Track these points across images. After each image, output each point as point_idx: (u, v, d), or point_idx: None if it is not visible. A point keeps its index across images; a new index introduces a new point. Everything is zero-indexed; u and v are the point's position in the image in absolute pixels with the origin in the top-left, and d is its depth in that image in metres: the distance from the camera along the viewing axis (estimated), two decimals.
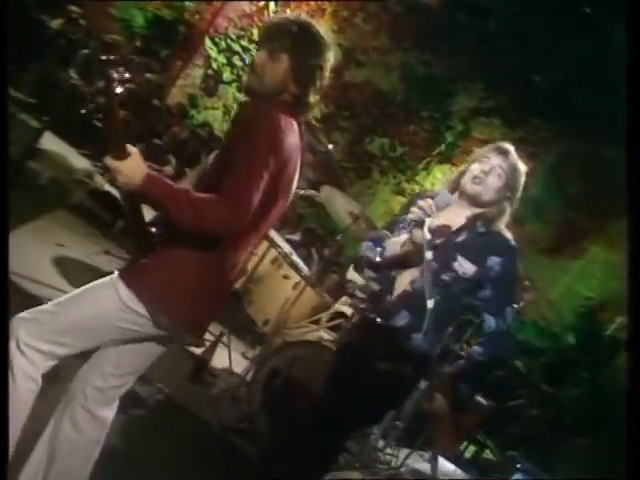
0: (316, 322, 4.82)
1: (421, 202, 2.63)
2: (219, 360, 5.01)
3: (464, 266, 2.71)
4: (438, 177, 10.21)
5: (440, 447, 6.30)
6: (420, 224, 2.62)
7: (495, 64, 9.39)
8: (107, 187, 6.22)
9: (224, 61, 9.84)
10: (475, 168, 2.77)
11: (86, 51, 7.93)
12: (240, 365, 5.14)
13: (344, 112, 9.95)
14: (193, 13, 9.60)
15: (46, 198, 5.27)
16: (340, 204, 4.83)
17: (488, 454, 7.66)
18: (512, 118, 9.79)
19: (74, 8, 8.44)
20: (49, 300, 3.96)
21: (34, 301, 3.74)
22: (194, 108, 9.76)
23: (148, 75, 7.92)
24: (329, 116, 9.95)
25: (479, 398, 6.47)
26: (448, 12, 9.31)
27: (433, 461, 5.34)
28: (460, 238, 2.75)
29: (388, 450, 5.32)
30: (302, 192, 4.96)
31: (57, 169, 6.12)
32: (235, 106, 9.94)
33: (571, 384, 9.57)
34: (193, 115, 9.69)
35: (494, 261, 2.72)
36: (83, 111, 7.41)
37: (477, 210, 2.78)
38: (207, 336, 5.33)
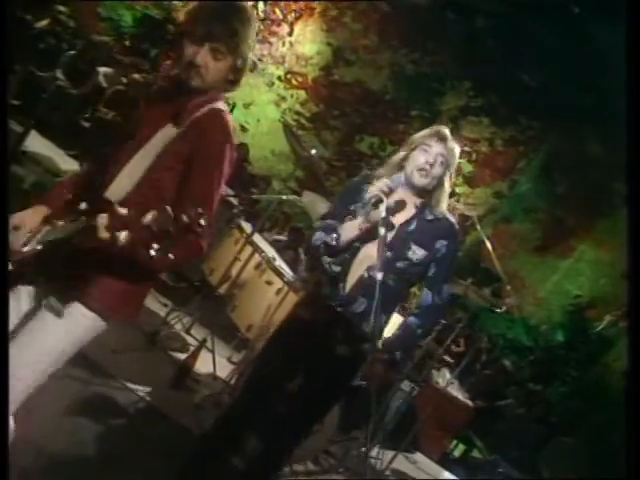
0: None
1: (378, 183, 2.83)
2: (204, 365, 5.01)
3: (417, 252, 2.95)
4: None
5: (426, 448, 6.36)
6: (377, 203, 2.76)
7: (484, 63, 9.38)
8: None
9: None
10: (419, 158, 2.95)
11: (73, 52, 7.90)
12: (225, 370, 5.14)
13: (334, 111, 9.92)
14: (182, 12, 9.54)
15: (29, 204, 5.22)
16: (322, 210, 4.82)
17: (477, 453, 7.70)
18: (501, 117, 9.80)
19: (60, 7, 8.37)
20: None
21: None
22: None
23: (136, 75, 7.86)
24: (318, 115, 9.92)
25: (465, 399, 6.51)
26: (437, 11, 9.29)
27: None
28: (412, 227, 2.98)
29: (372, 453, 5.33)
30: (284, 197, 4.95)
31: (42, 172, 6.08)
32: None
33: (559, 381, 9.61)
34: None
35: (441, 244, 2.98)
36: (70, 112, 7.36)
37: (422, 198, 3.01)
38: (191, 341, 5.34)
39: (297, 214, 8.40)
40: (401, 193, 2.99)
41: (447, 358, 6.31)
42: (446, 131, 3.05)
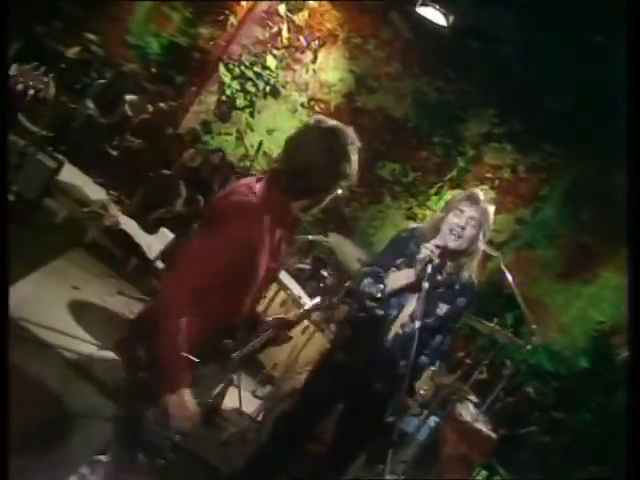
0: None
1: (429, 245, 3.10)
2: (229, 399, 5.07)
3: (442, 308, 3.25)
4: None
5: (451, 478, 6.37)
6: (427, 263, 3.03)
7: (507, 90, 9.40)
8: (121, 221, 6.31)
9: (237, 87, 9.92)
10: (452, 221, 3.18)
11: (102, 81, 8.06)
12: (251, 404, 5.19)
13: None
14: (208, 40, 9.69)
15: (62, 237, 5.37)
16: (349, 250, 4.91)
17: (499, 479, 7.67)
18: (524, 143, 9.80)
19: (90, 36, 8.55)
20: (64, 348, 4.06)
21: (49, 350, 3.83)
22: (207, 134, 9.84)
23: (162, 105, 8.00)
24: None
25: (488, 430, 6.51)
26: (459, 38, 9.34)
27: None
28: (442, 290, 3.25)
29: None
30: (310, 237, 5.03)
31: (72, 203, 6.22)
32: (248, 132, 10.02)
33: (583, 409, 9.54)
34: (207, 141, 9.77)
35: (461, 301, 3.31)
36: (99, 141, 7.50)
37: (455, 259, 3.25)
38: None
39: (319, 244, 8.48)
40: (442, 253, 3.17)
41: (472, 396, 6.33)
42: (479, 193, 3.25)
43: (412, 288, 3.17)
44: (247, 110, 10.06)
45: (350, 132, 2.42)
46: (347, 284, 5.04)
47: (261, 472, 3.60)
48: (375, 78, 9.83)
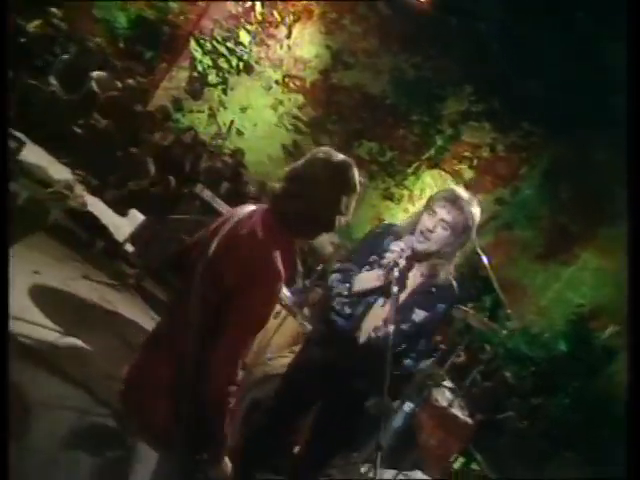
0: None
1: (396, 247, 2.96)
2: None
3: (419, 315, 3.11)
4: (427, 182, 10.22)
5: (427, 466, 6.38)
6: (395, 266, 2.91)
7: (486, 68, 9.38)
8: (87, 201, 6.17)
9: (209, 63, 9.78)
10: (423, 222, 3.02)
11: (66, 56, 7.86)
12: None
13: (332, 116, 9.94)
14: (178, 14, 9.52)
15: (23, 221, 5.23)
16: (325, 241, 4.85)
17: (476, 466, 7.71)
18: (503, 122, 9.81)
19: (53, 9, 8.32)
20: (26, 337, 3.96)
21: (10, 338, 3.72)
22: (178, 111, 9.70)
23: (130, 81, 7.83)
24: (317, 119, 9.93)
25: (465, 416, 6.51)
26: (438, 15, 9.28)
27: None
28: (418, 296, 3.11)
29: (371, 475, 5.34)
30: None
31: (35, 184, 6.06)
32: (221, 109, 9.89)
33: (562, 393, 9.62)
34: (178, 119, 9.63)
35: (441, 307, 3.14)
36: (64, 119, 7.33)
37: (427, 262, 3.10)
38: None
39: None
40: (410, 255, 3.09)
41: (448, 382, 6.31)
42: (456, 193, 3.03)
43: (382, 291, 3.06)
44: (219, 87, 9.94)
45: (355, 166, 2.41)
46: (319, 267, 4.99)
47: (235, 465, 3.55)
48: (352, 54, 9.76)
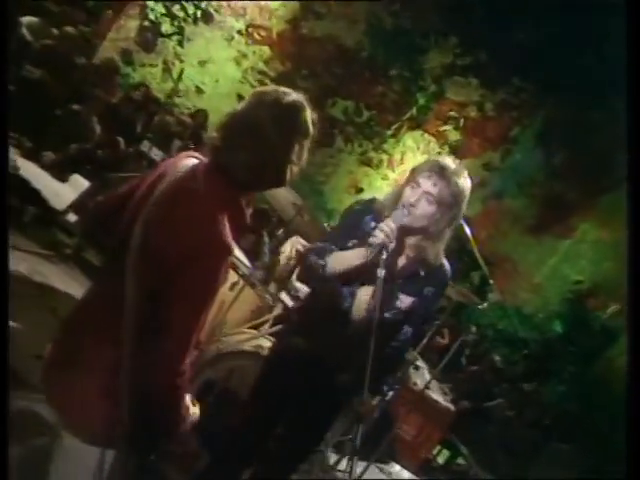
0: (256, 327, 4.79)
1: (385, 227, 2.86)
2: None
3: (404, 301, 3.09)
4: (409, 145, 10.19)
5: (403, 457, 6.41)
6: (383, 248, 2.83)
7: (472, 17, 9.35)
8: (19, 165, 6.07)
9: (163, 11, 9.65)
10: (406, 195, 2.97)
11: None
12: None
13: (302, 70, 9.87)
14: None
15: None
16: (282, 195, 4.80)
17: (462, 460, 7.77)
18: (491, 78, 9.80)
19: None
20: None
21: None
22: (128, 65, 9.58)
23: (70, 29, 7.69)
24: (285, 75, 9.84)
25: (446, 402, 6.55)
26: None
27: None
28: (402, 280, 3.09)
29: (341, 467, 5.35)
30: None
31: None
32: (176, 63, 9.78)
33: (556, 379, 9.69)
34: (127, 73, 9.52)
35: (429, 290, 3.13)
36: None
37: (413, 240, 3.07)
38: None
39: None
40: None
41: (421, 363, 6.33)
42: (444, 163, 2.98)
43: (364, 274, 3.00)
44: (175, 38, 9.81)
45: (308, 106, 2.31)
46: (280, 232, 4.97)
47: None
48: (323, 1, 9.67)
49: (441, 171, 2.92)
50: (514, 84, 9.78)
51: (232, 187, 2.22)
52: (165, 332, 2.11)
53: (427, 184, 2.92)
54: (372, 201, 3.23)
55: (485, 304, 5.36)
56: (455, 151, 9.99)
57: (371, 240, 2.87)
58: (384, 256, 2.81)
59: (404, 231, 2.99)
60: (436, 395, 6.41)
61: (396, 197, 3.05)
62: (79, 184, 6.82)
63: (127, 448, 2.21)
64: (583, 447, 7.92)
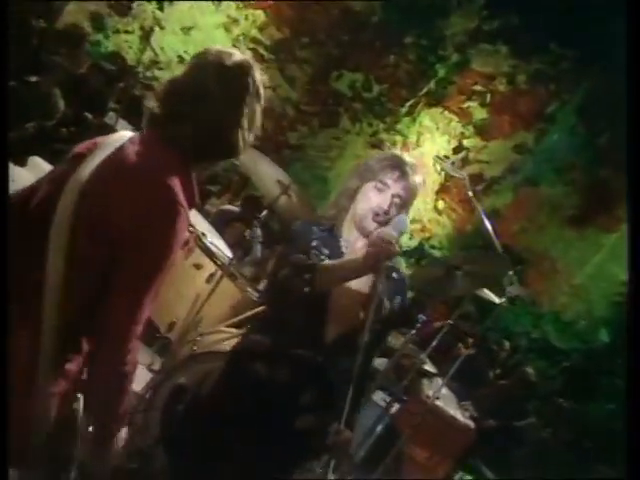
0: (237, 325, 4.78)
1: (386, 234, 2.87)
2: None
3: (385, 305, 3.17)
4: (426, 125, 10.18)
5: None
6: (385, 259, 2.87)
7: None
8: None
9: None
10: (372, 199, 3.08)
11: None
12: (144, 381, 5.10)
13: (302, 38, 9.88)
14: None
15: None
16: (265, 172, 4.79)
17: None
18: (524, 44, 9.74)
19: None
20: None
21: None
22: (99, 31, 9.61)
23: None
24: (282, 44, 9.86)
25: (464, 418, 6.51)
26: None
27: None
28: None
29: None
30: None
31: None
32: (156, 29, 9.80)
33: (601, 395, 9.62)
34: (98, 41, 9.55)
35: (397, 299, 3.23)
36: None
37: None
38: None
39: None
40: (354, 241, 3.17)
41: (430, 367, 6.31)
42: (406, 160, 3.12)
43: (359, 281, 3.11)
44: (154, 0, 9.84)
45: (257, 65, 2.43)
46: (262, 215, 4.95)
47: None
48: None
49: (404, 168, 3.06)
50: (551, 52, 9.71)
51: (176, 159, 2.29)
52: (111, 307, 2.17)
53: (397, 186, 3.05)
54: (311, 219, 3.37)
55: (504, 299, 5.29)
56: (481, 131, 9.97)
57: (370, 250, 2.89)
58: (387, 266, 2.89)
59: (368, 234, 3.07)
60: (453, 410, 6.38)
61: (349, 200, 3.16)
62: (40, 168, 6.83)
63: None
64: (626, 471, 7.84)
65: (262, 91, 2.40)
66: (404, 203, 3.08)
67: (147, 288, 2.19)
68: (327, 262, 3.07)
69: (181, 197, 2.21)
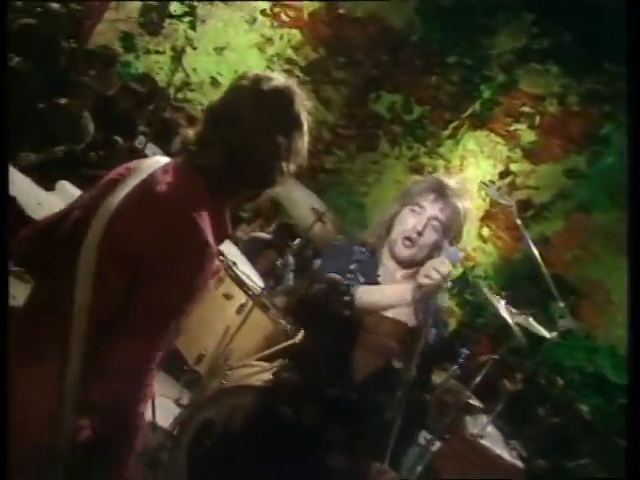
0: (267, 359, 4.79)
1: (441, 267, 2.88)
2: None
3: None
4: (470, 148, 10.14)
5: None
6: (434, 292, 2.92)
7: None
8: None
9: None
10: (406, 221, 3.11)
11: None
12: (170, 415, 5.13)
13: (339, 58, 9.92)
14: None
15: None
16: (299, 198, 4.83)
17: None
18: (576, 63, 9.71)
19: None
20: None
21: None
22: (129, 52, 9.74)
23: (56, 6, 7.86)
24: (318, 64, 9.91)
25: (511, 458, 6.43)
26: None
27: None
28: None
29: None
30: None
31: None
32: (188, 50, 9.91)
33: None
34: (128, 62, 9.67)
35: (432, 333, 3.19)
36: None
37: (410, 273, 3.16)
38: None
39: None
40: (390, 271, 3.19)
41: (475, 401, 6.24)
42: (448, 183, 3.16)
43: (400, 311, 3.13)
44: (186, 20, 9.96)
45: (300, 91, 2.42)
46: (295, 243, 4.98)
47: None
48: None
49: (445, 192, 3.09)
50: (605, 70, 9.65)
51: (208, 190, 2.29)
52: (129, 338, 2.16)
53: (434, 208, 3.07)
54: (354, 238, 3.42)
55: (555, 334, 5.26)
56: (530, 155, 9.92)
57: (423, 281, 2.89)
58: (438, 302, 2.99)
59: (405, 262, 3.15)
60: (500, 450, 6.31)
61: (387, 226, 3.19)
62: (68, 193, 6.91)
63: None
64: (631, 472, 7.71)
65: (305, 119, 2.39)
66: (445, 227, 3.09)
67: (162, 327, 2.21)
68: (368, 286, 3.09)
69: (209, 235, 2.22)
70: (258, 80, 2.33)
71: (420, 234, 3.06)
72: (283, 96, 2.34)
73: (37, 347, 2.22)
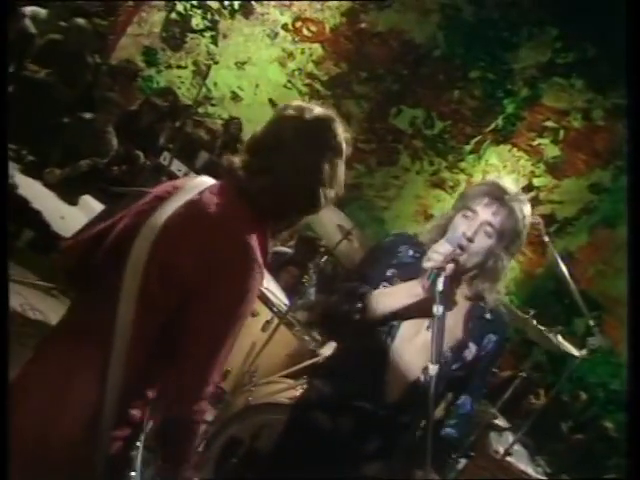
0: (293, 376, 4.82)
1: (439, 248, 2.89)
2: None
3: (472, 350, 3.11)
4: (493, 163, 10.14)
5: None
6: (438, 275, 2.83)
7: (576, 1, 9.32)
8: (18, 183, 6.23)
9: (193, 2, 9.86)
10: (459, 227, 2.98)
11: None
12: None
13: (361, 73, 9.93)
14: None
15: None
16: (326, 216, 4.84)
17: None
18: (601, 78, 9.70)
19: None
20: None
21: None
22: (152, 66, 9.78)
23: (81, 21, 7.89)
24: (339, 78, 9.93)
25: (536, 474, 6.43)
26: None
27: None
28: (471, 324, 3.13)
29: None
30: None
31: None
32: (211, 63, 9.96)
33: None
34: (150, 76, 9.71)
35: (489, 339, 3.14)
36: None
37: (468, 280, 3.09)
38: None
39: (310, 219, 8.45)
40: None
41: (501, 421, 6.23)
42: (503, 185, 3.02)
43: (419, 312, 2.99)
44: (208, 34, 10.00)
45: (339, 122, 2.47)
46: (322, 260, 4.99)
47: None
48: None
49: (501, 196, 2.94)
50: (630, 84, 9.64)
51: (254, 215, 2.35)
52: (181, 361, 2.23)
53: (486, 213, 2.94)
54: (403, 234, 3.31)
55: (584, 352, 5.23)
56: (553, 170, 9.92)
57: (425, 265, 2.87)
58: (440, 287, 2.79)
59: (459, 268, 2.98)
60: (524, 466, 6.30)
61: (441, 228, 3.06)
62: (90, 207, 6.95)
63: None
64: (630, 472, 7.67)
65: (344, 147, 2.44)
66: (500, 233, 2.95)
67: (217, 347, 2.24)
68: (381, 289, 3.06)
69: (259, 256, 2.27)
70: (300, 109, 2.40)
71: (470, 240, 2.92)
72: (326, 125, 2.41)
73: (77, 361, 2.25)
